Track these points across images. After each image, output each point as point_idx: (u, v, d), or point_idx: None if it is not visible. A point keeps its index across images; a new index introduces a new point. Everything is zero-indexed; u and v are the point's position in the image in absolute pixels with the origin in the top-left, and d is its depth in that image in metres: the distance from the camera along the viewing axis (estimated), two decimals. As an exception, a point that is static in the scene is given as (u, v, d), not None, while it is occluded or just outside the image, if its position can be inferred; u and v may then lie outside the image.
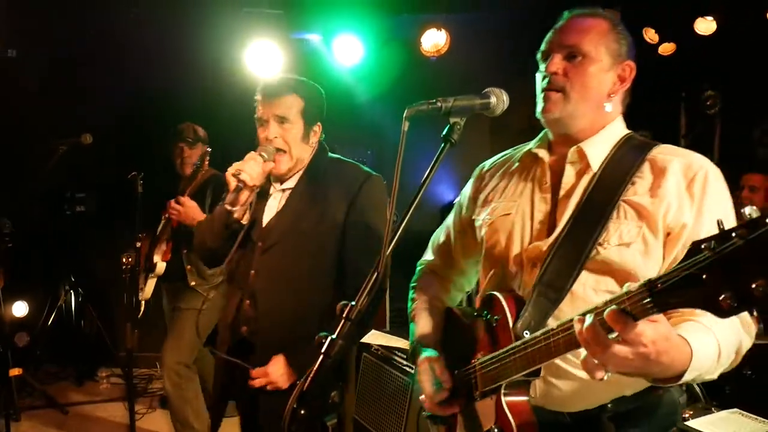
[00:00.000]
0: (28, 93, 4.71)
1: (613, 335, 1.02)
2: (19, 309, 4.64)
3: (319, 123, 2.13)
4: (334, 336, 1.17)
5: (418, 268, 1.79)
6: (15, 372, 3.78)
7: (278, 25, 4.32)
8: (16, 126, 4.63)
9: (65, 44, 4.48)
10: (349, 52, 4.56)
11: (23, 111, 4.64)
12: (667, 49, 4.49)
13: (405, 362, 2.77)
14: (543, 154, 1.48)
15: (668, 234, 1.30)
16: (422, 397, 1.51)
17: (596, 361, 1.05)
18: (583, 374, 1.31)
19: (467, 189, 1.68)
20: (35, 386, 4.45)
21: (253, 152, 2.02)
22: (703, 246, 0.89)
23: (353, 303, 1.20)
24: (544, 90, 1.41)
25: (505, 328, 1.32)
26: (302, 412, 1.13)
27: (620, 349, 1.02)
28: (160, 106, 4.55)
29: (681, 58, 4.50)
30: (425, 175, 1.31)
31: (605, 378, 1.06)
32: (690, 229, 1.28)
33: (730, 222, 1.30)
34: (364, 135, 5.00)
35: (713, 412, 2.51)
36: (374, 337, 3.13)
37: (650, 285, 0.97)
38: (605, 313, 1.01)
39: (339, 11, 4.44)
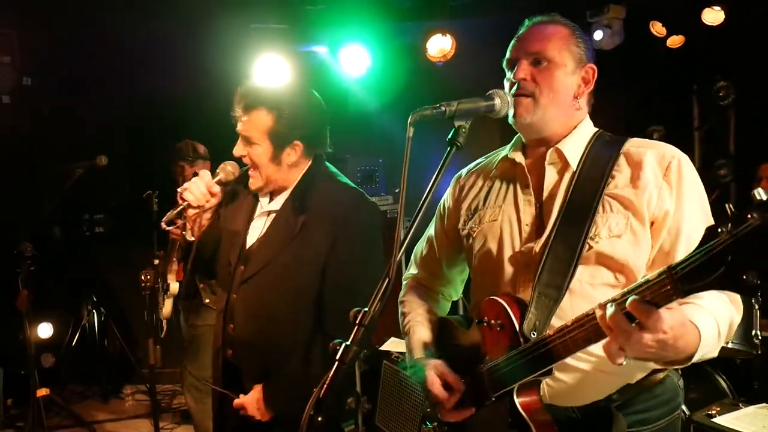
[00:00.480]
0: (42, 117, 4.80)
1: (635, 322, 1.05)
2: (44, 330, 4.71)
3: (297, 142, 1.93)
4: (348, 342, 1.18)
5: (404, 283, 1.79)
6: (42, 392, 3.84)
7: (285, 38, 4.37)
8: (31, 150, 4.73)
9: (76, 63, 4.56)
10: (356, 61, 4.58)
11: (38, 135, 4.73)
12: (675, 41, 4.44)
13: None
14: (520, 158, 1.51)
15: (652, 223, 1.34)
16: (429, 409, 1.51)
17: (618, 347, 1.07)
18: (585, 366, 1.35)
19: (447, 199, 1.69)
20: (62, 406, 4.52)
21: (204, 170, 2.02)
22: (719, 230, 0.92)
23: (366, 309, 1.20)
24: (514, 96, 1.44)
25: (511, 331, 1.33)
26: (319, 419, 1.14)
27: (642, 336, 1.05)
28: (171, 122, 4.61)
29: (690, 50, 4.44)
30: (432, 179, 1.31)
31: (624, 363, 1.09)
32: (672, 214, 1.33)
33: (706, 200, 1.35)
34: (375, 143, 5.02)
35: (741, 408, 2.48)
36: (394, 345, 3.12)
37: (669, 273, 1.00)
38: (627, 303, 1.03)
39: (344, 22, 4.47)
